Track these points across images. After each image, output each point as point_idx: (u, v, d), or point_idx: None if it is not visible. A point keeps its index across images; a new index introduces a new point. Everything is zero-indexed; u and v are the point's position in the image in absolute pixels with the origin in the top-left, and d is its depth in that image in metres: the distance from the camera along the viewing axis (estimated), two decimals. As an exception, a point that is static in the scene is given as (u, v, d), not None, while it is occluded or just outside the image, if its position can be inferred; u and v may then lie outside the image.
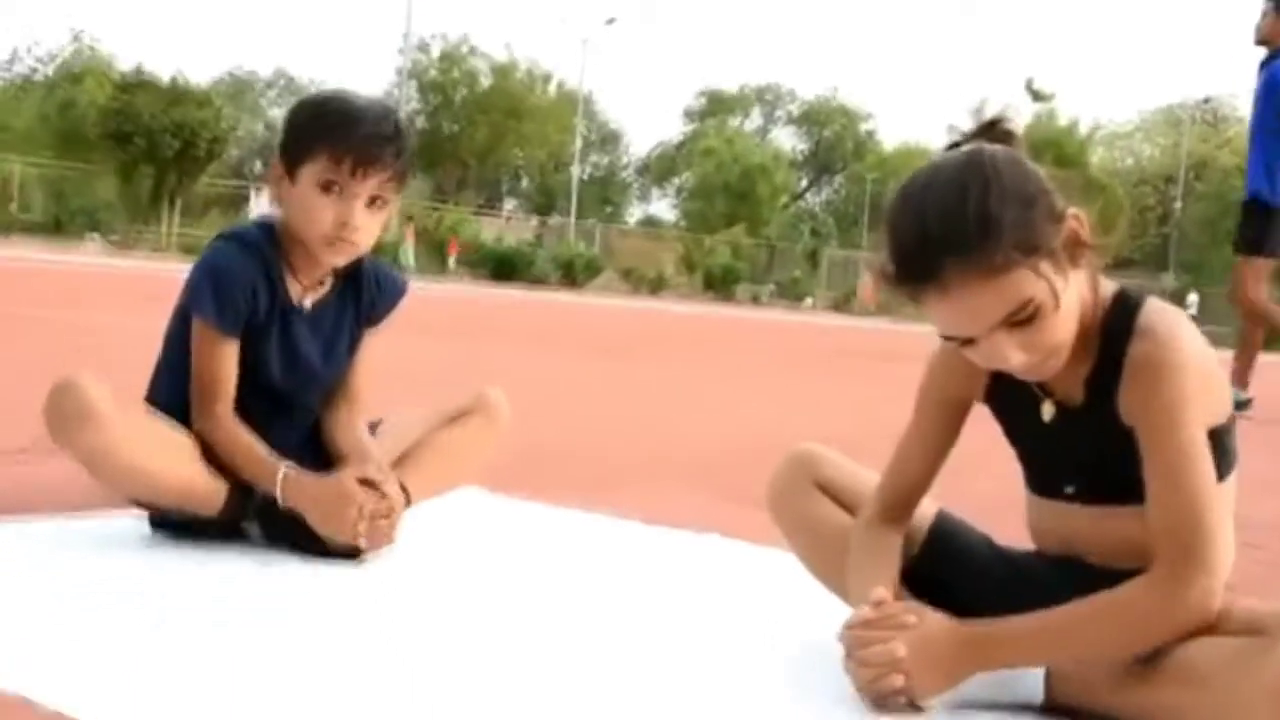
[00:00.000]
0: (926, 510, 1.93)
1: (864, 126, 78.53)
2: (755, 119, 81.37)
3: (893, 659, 1.63)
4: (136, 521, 2.38)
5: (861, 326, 25.33)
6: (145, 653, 1.67)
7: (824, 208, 76.28)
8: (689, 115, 79.25)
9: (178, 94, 43.77)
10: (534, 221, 60.17)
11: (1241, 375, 7.58)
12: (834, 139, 77.99)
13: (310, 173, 2.28)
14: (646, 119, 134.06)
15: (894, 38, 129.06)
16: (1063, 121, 59.93)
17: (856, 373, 10.47)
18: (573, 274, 41.90)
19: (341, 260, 2.36)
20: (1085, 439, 1.72)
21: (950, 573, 1.87)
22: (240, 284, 2.29)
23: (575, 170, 60.01)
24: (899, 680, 1.63)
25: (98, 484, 2.28)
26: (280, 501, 2.27)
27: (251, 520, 2.32)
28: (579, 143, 59.89)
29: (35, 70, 63.79)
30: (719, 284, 47.64)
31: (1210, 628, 1.59)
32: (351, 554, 2.28)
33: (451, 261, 39.91)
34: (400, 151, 2.31)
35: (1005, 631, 1.65)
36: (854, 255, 53.37)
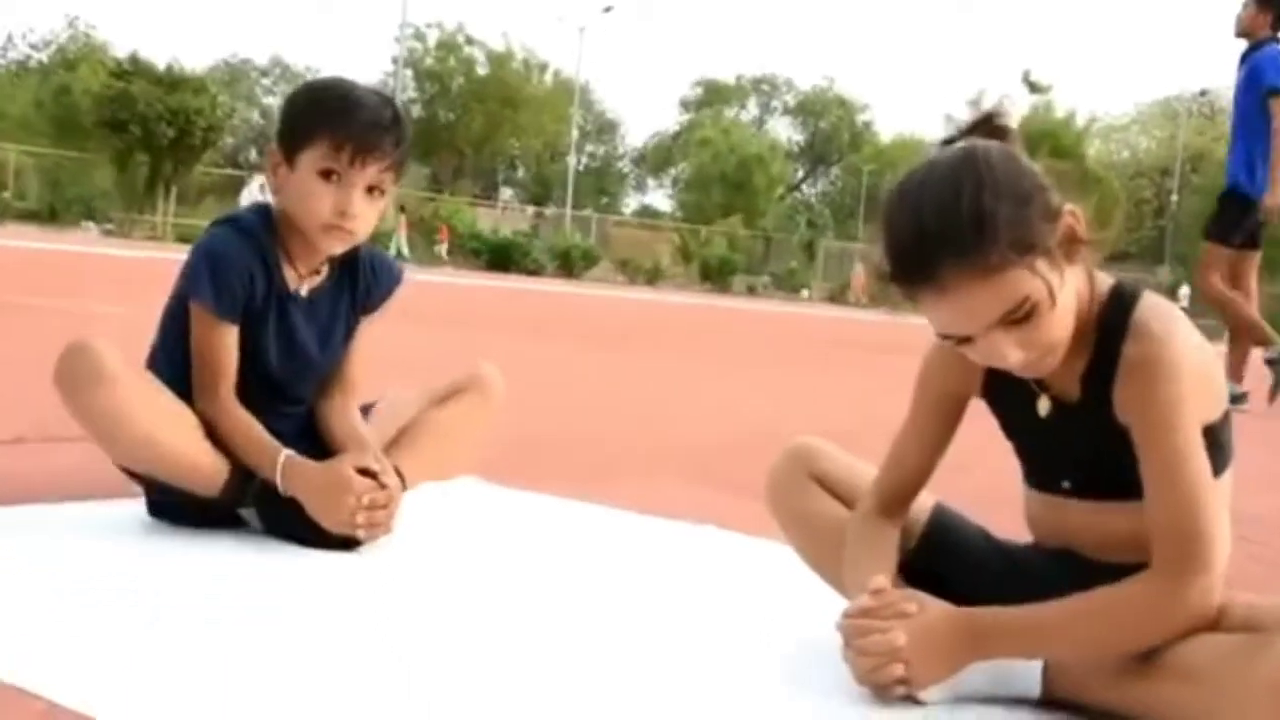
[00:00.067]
0: (924, 503, 1.93)
1: (861, 117, 78.65)
2: (752, 109, 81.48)
3: (892, 648, 1.63)
4: (134, 510, 2.38)
5: (858, 318, 25.33)
6: (140, 645, 1.67)
7: (820, 199, 76.40)
8: (685, 105, 79.33)
9: (173, 81, 43.73)
10: (530, 211, 60.16)
11: (1236, 369, 7.59)
12: (830, 130, 78.06)
13: (309, 160, 2.27)
14: (643, 109, 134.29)
15: (891, 29, 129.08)
16: (1059, 113, 59.97)
17: (853, 364, 10.48)
18: (569, 264, 41.92)
19: (339, 248, 2.36)
20: (1081, 435, 1.72)
21: (947, 565, 1.87)
22: (238, 269, 2.29)
23: (571, 160, 60.02)
24: (899, 669, 1.63)
25: (97, 469, 2.28)
26: (280, 488, 2.27)
27: (250, 506, 2.31)
28: (575, 133, 59.86)
29: (30, 57, 63.70)
30: (715, 275, 47.69)
31: (1209, 625, 1.59)
32: (348, 544, 2.27)
33: (442, 249, 39.86)
34: (399, 140, 2.31)
35: (1005, 621, 1.65)
36: (850, 247, 53.39)
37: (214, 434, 2.30)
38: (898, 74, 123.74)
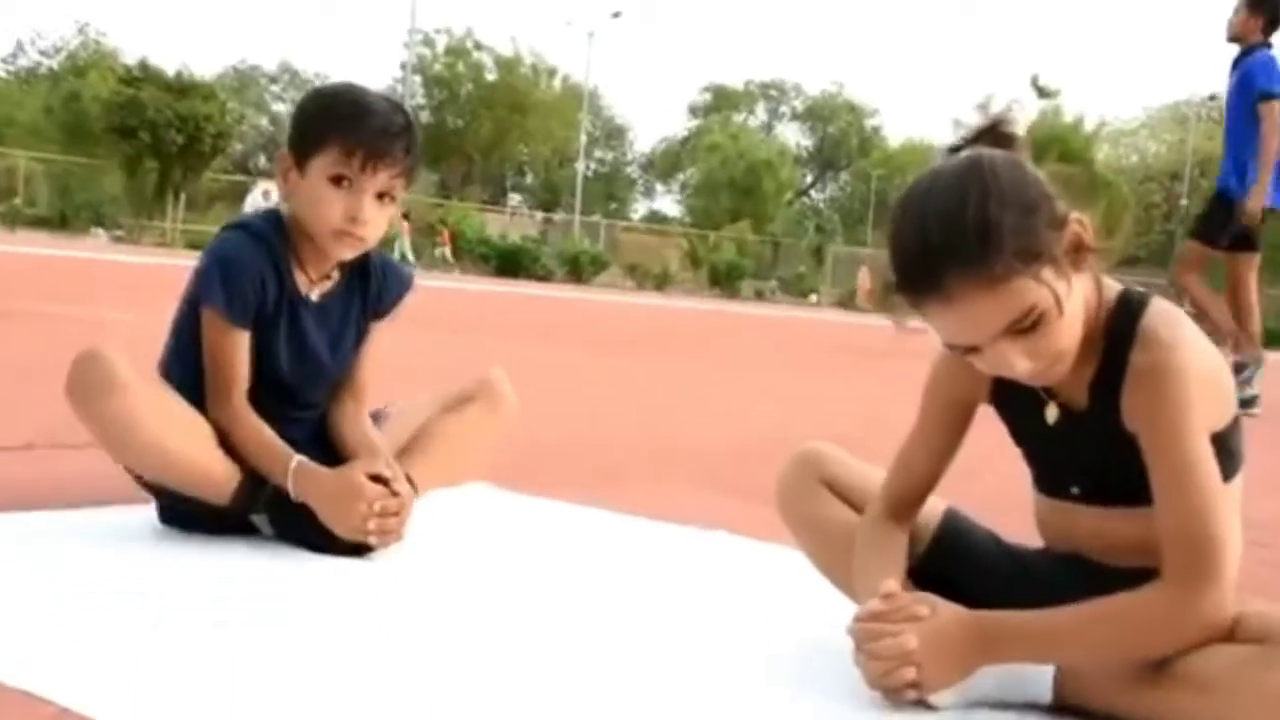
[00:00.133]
0: (935, 507, 1.93)
1: (869, 122, 78.59)
2: (760, 115, 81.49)
3: (904, 651, 1.62)
4: (142, 516, 2.38)
5: (866, 323, 25.33)
6: (148, 649, 1.67)
7: (829, 204, 76.34)
8: (694, 111, 79.34)
9: (183, 87, 43.89)
10: (539, 217, 60.18)
11: (1248, 341, 7.49)
12: (839, 135, 78.03)
13: (320, 165, 2.28)
14: (651, 114, 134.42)
15: (899, 34, 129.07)
16: (1068, 118, 59.87)
17: (861, 369, 10.47)
18: (578, 270, 41.96)
19: (349, 254, 2.36)
20: (1089, 442, 1.71)
21: (958, 570, 1.87)
22: (249, 274, 2.29)
23: (580, 166, 60.03)
24: (910, 673, 1.62)
25: (106, 475, 2.28)
26: (292, 494, 2.27)
27: (261, 512, 2.32)
28: (584, 138, 59.89)
29: (40, 64, 63.87)
30: (724, 280, 47.67)
31: (1223, 636, 1.58)
32: (359, 550, 2.28)
33: (446, 252, 39.84)
34: (410, 147, 2.31)
35: (1017, 626, 1.65)
36: (859, 252, 53.27)
37: (226, 440, 2.30)
38: (907, 79, 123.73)
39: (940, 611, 1.66)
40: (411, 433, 2.55)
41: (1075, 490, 1.78)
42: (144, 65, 45.75)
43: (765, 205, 63.67)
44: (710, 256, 50.89)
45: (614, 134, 79.87)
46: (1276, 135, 7.40)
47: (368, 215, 2.29)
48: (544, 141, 69.80)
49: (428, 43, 66.04)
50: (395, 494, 2.29)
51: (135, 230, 40.08)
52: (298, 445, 2.32)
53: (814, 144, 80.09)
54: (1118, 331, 1.65)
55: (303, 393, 2.44)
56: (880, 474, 1.94)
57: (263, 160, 65.39)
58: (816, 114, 79.62)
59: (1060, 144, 49.61)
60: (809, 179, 79.09)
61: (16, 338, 6.22)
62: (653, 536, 2.75)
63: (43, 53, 64.32)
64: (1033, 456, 1.85)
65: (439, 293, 15.91)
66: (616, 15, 58.26)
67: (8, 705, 1.44)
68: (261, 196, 35.01)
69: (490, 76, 68.42)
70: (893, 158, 67.78)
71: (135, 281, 13.95)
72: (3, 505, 2.42)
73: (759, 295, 47.57)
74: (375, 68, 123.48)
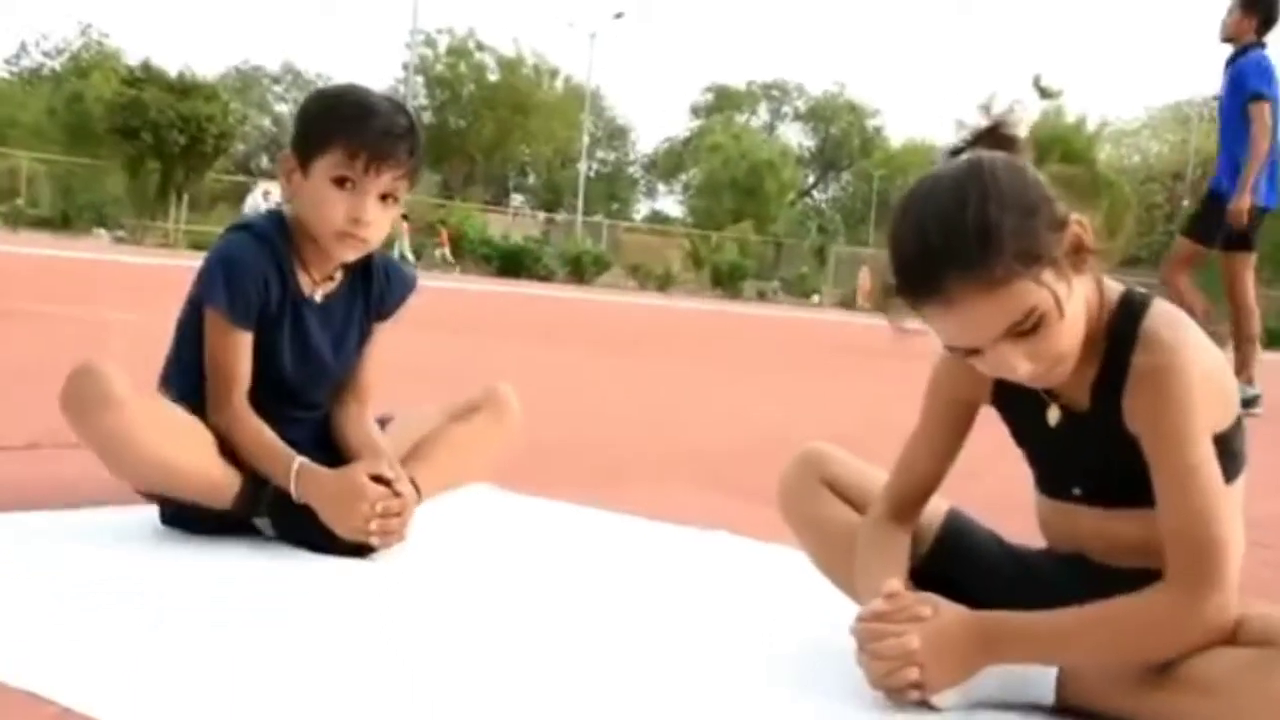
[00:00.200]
0: (938, 508, 1.93)
1: (871, 123, 78.60)
2: (762, 115, 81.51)
3: (906, 651, 1.62)
4: (143, 517, 2.38)
5: (868, 323, 25.33)
6: (150, 649, 1.67)
7: (831, 204, 76.35)
8: (696, 111, 79.36)
9: (185, 88, 43.90)
10: (541, 217, 60.20)
11: (1245, 368, 7.52)
12: (841, 135, 78.04)
13: (324, 167, 2.28)
14: (654, 115, 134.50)
15: (901, 34, 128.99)
16: (1070, 118, 59.84)
17: (864, 369, 10.46)
18: (580, 270, 41.96)
19: (352, 255, 2.37)
20: (1091, 444, 1.71)
21: (961, 570, 1.87)
22: (252, 274, 2.30)
23: (582, 166, 60.07)
24: (913, 673, 1.62)
25: (108, 475, 2.28)
26: (294, 495, 2.27)
27: (263, 514, 2.32)
28: (586, 139, 59.90)
29: (43, 64, 63.91)
30: (726, 280, 47.66)
31: (1226, 639, 1.58)
32: (361, 551, 2.28)
33: (445, 253, 39.81)
34: (414, 148, 2.31)
35: (1020, 626, 1.65)
36: (861, 252, 53.27)
37: (227, 443, 2.30)
38: (909, 79, 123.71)
39: (943, 612, 1.66)
40: (416, 439, 2.55)
41: (1077, 491, 1.78)
42: (147, 66, 45.77)
43: (767, 206, 63.66)
44: (712, 257, 50.88)
45: (616, 134, 79.90)
46: (1266, 136, 7.43)
47: (371, 216, 2.29)
48: (546, 142, 69.82)
49: (430, 43, 66.08)
50: (397, 495, 2.29)
51: (138, 231, 40.09)
52: (300, 446, 2.32)
53: (816, 144, 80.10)
54: (1119, 333, 1.64)
55: (305, 393, 2.44)
56: (882, 474, 1.94)
57: (265, 161, 65.43)
58: (818, 114, 79.63)
59: (1062, 144, 49.56)
60: (811, 179, 79.10)
61: (18, 338, 6.23)
62: (654, 537, 2.75)
63: (46, 54, 64.39)
64: (1034, 458, 1.85)
65: (441, 293, 15.91)
66: (619, 16, 58.31)
67: (10, 705, 1.44)
68: (261, 197, 35.04)
69: (492, 77, 68.44)
70: (895, 158, 67.75)
71: (138, 282, 13.96)
72: (4, 505, 2.42)
73: (761, 296, 47.58)
74: (377, 68, 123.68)
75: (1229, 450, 1.63)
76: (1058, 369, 1.62)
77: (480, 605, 2.07)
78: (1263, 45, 7.64)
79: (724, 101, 78.58)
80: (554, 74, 71.17)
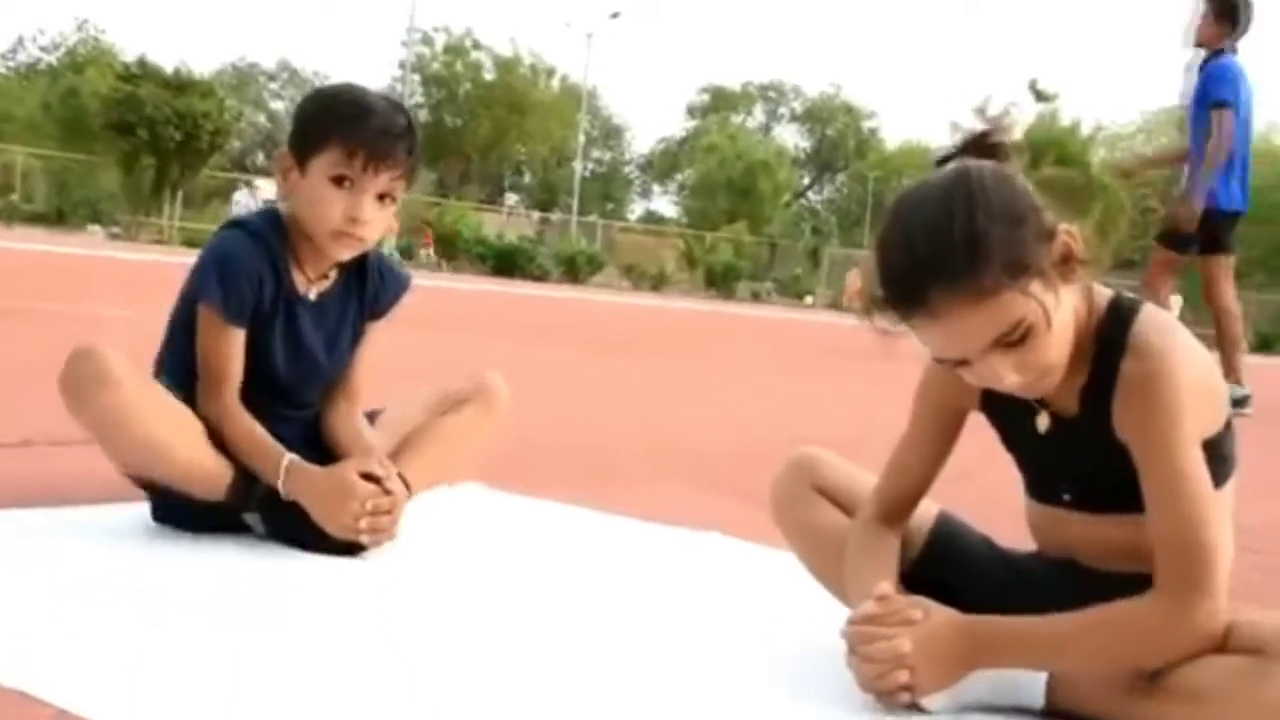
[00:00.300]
0: (928, 512, 1.93)
1: (867, 124, 78.65)
2: (758, 116, 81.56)
3: (897, 654, 1.62)
4: (138, 514, 2.39)
5: (862, 325, 25.30)
6: (145, 649, 1.67)
7: (826, 206, 76.36)
8: (692, 111, 79.40)
9: (181, 85, 43.82)
10: (536, 217, 60.17)
11: (1232, 370, 7.54)
12: (837, 137, 78.06)
13: (321, 165, 2.28)
14: (649, 115, 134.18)
15: (898, 36, 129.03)
16: (1065, 122, 59.86)
17: (857, 371, 10.46)
18: (574, 270, 41.93)
19: (347, 254, 2.37)
20: (1081, 449, 1.71)
21: (951, 574, 1.87)
22: (247, 271, 2.30)
23: (578, 166, 60.03)
24: (903, 676, 1.62)
25: (102, 472, 2.28)
26: (283, 492, 2.27)
27: (253, 510, 2.32)
28: (582, 138, 59.87)
29: (39, 59, 63.80)
30: (720, 281, 47.65)
31: (1216, 646, 1.58)
32: (352, 549, 2.28)
33: (429, 253, 39.71)
34: (411, 148, 2.32)
35: (1010, 631, 1.65)
36: (855, 254, 53.23)
37: (218, 438, 2.31)
38: (904, 81, 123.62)
39: (933, 615, 1.66)
40: (406, 433, 2.55)
41: (1067, 496, 1.78)
42: (142, 62, 45.67)
43: (762, 206, 63.63)
44: (707, 257, 50.86)
45: (612, 134, 79.91)
46: (1223, 144, 7.47)
47: (368, 216, 2.29)
48: (542, 141, 69.79)
49: (426, 42, 66.04)
50: (388, 493, 2.30)
51: (132, 227, 40.02)
52: (290, 444, 2.32)
53: (811, 145, 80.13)
54: (1108, 339, 1.64)
55: (298, 392, 2.45)
56: (873, 479, 1.94)
57: (260, 158, 65.34)
58: (814, 116, 79.66)
59: (1058, 147, 49.51)
60: (806, 180, 79.10)
61: (13, 335, 6.22)
62: (647, 537, 2.76)
63: (42, 49, 64.31)
64: (1024, 463, 1.86)
65: (434, 292, 15.91)
66: (615, 16, 58.27)
67: (5, 706, 1.44)
68: (247, 194, 35.03)
69: (489, 76, 68.42)
70: (890, 160, 67.75)
71: (132, 279, 13.93)
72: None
73: (755, 296, 47.56)
74: (374, 66, 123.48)
75: (1219, 455, 1.63)
76: (1046, 379, 1.62)
77: (474, 606, 2.07)
78: (1233, 51, 7.68)
79: (720, 102, 78.59)
80: (550, 73, 71.18)
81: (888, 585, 1.71)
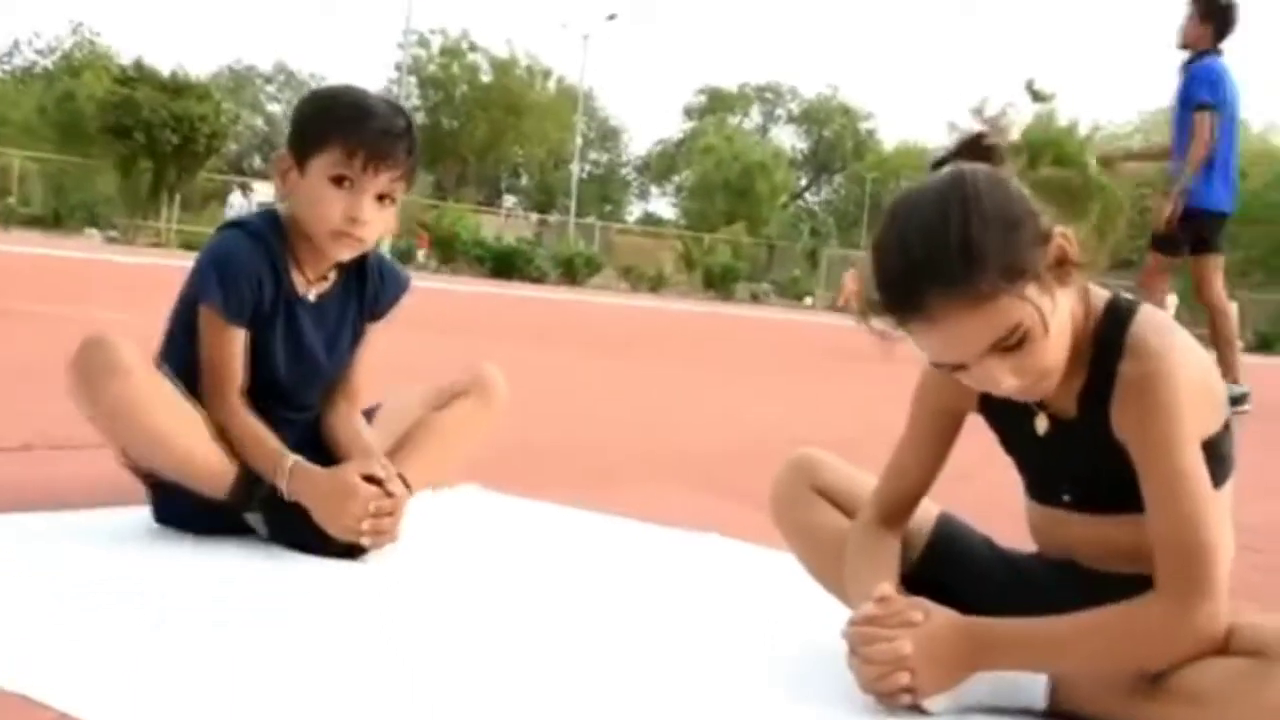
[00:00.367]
0: (929, 512, 1.93)
1: (864, 126, 78.70)
2: (755, 117, 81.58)
3: (898, 656, 1.62)
4: (138, 518, 2.39)
5: (859, 327, 25.30)
6: (146, 652, 1.67)
7: (824, 207, 76.45)
8: (689, 113, 79.46)
9: (178, 87, 43.80)
10: (533, 219, 60.19)
11: (1229, 369, 7.55)
12: (834, 138, 78.11)
13: (321, 165, 2.28)
14: (646, 116, 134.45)
15: (894, 37, 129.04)
16: (1063, 122, 59.90)
17: (856, 371, 10.46)
18: (572, 272, 41.93)
19: (347, 254, 2.37)
20: (1080, 451, 1.71)
21: (952, 575, 1.87)
22: (246, 272, 2.30)
23: (575, 167, 60.01)
24: (904, 678, 1.62)
25: (102, 475, 2.28)
26: (285, 493, 2.27)
27: (256, 511, 2.32)
28: (579, 140, 59.87)
29: (35, 63, 63.78)
30: (718, 282, 47.66)
31: (1217, 648, 1.58)
32: (353, 551, 2.28)
33: (422, 255, 39.67)
34: (411, 149, 2.32)
35: (1011, 633, 1.65)
36: (853, 255, 53.21)
37: (222, 437, 2.31)
38: (901, 82, 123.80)
39: (934, 617, 1.66)
40: (404, 428, 2.55)
41: (1067, 498, 1.78)
42: (139, 65, 45.66)
43: (760, 208, 63.67)
44: (705, 259, 50.87)
45: (609, 136, 79.93)
46: (1203, 146, 7.52)
47: (367, 216, 2.29)
48: (539, 143, 69.79)
49: (423, 44, 66.04)
50: (389, 495, 2.30)
51: (129, 230, 39.98)
52: (291, 447, 2.32)
53: (809, 147, 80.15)
54: (1106, 341, 1.64)
55: (298, 394, 2.45)
56: (873, 480, 1.94)
57: (257, 160, 65.34)
58: (811, 117, 79.69)
59: (1055, 148, 49.52)
60: (804, 182, 79.14)
61: (10, 338, 6.22)
62: (646, 539, 2.76)
63: (38, 52, 64.28)
64: (1023, 465, 1.86)
65: (433, 294, 15.90)
66: (612, 17, 58.26)
67: (6, 710, 1.44)
68: (242, 197, 35.05)
69: (485, 78, 68.41)
70: (887, 161, 67.77)
71: (130, 282, 13.93)
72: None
73: (753, 298, 47.56)
74: (370, 68, 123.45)
75: (1218, 455, 1.63)
76: (1044, 383, 1.62)
77: (474, 607, 2.07)
78: (1218, 53, 7.71)
79: (717, 103, 78.62)
80: (547, 75, 71.19)
81: (888, 587, 1.71)
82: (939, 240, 1.51)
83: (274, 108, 72.63)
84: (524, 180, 75.72)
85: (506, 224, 54.27)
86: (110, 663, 1.61)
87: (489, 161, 70.46)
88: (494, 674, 1.71)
